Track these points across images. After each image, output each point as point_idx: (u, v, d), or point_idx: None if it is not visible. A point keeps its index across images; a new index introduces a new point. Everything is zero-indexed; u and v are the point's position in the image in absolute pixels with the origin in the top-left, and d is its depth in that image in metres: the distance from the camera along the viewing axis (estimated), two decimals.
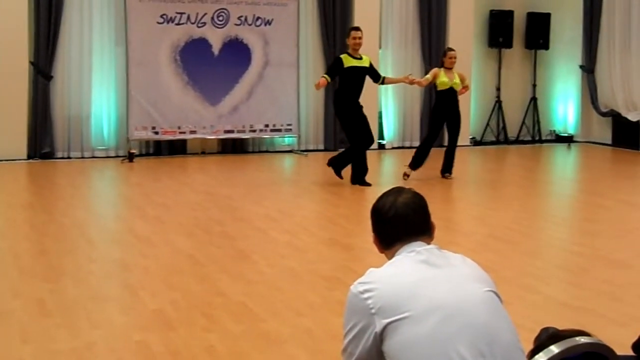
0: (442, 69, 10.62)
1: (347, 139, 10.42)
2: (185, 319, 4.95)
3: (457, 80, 10.59)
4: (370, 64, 10.38)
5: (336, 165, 10.35)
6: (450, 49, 10.91)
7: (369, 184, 10.07)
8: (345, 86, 10.16)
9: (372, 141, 10.36)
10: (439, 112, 10.70)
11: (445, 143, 11.41)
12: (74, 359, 4.28)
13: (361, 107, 10.21)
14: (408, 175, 10.41)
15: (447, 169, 10.77)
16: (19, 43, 12.12)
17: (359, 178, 10.19)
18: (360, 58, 10.21)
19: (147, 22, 12.67)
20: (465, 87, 10.82)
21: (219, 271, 6.09)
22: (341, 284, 5.67)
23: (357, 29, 10.37)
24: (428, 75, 10.71)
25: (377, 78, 10.50)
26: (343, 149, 10.81)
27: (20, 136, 12.22)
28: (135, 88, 12.64)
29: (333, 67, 10.28)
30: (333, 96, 10.56)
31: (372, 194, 9.40)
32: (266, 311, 5.12)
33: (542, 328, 3.00)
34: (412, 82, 10.78)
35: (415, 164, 10.56)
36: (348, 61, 10.11)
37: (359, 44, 10.20)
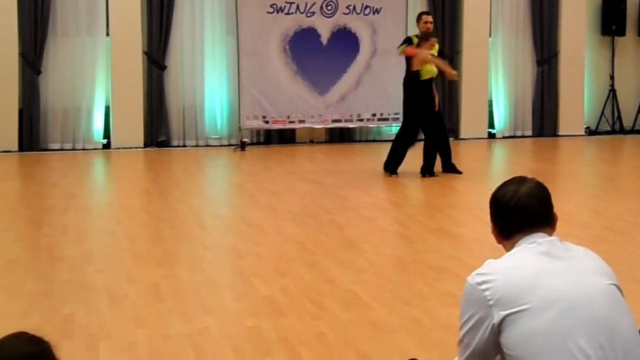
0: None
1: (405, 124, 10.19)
2: (295, 306, 5.00)
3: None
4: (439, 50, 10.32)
5: (392, 164, 10.08)
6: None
7: (394, 174, 9.91)
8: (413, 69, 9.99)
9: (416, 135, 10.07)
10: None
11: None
12: (187, 343, 4.37)
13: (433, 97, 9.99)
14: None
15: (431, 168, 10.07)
16: (133, 34, 12.45)
17: (391, 166, 9.98)
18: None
19: (257, 11, 12.82)
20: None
21: (328, 259, 6.12)
22: (451, 274, 5.62)
23: (428, 13, 10.38)
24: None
25: None
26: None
27: (136, 125, 12.56)
28: (246, 77, 12.82)
29: (403, 44, 10.15)
30: (403, 79, 10.26)
31: (482, 184, 9.28)
32: (375, 300, 5.12)
33: None
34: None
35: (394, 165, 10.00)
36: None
37: (430, 29, 10.08)
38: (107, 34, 12.51)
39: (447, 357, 2.84)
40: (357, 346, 4.31)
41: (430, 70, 9.89)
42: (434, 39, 10.03)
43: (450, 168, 10.10)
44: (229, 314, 4.89)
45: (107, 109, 12.58)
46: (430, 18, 10.16)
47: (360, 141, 13.74)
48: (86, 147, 12.46)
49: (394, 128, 13.75)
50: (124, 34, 12.41)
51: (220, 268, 6.08)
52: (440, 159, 10.08)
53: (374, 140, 13.74)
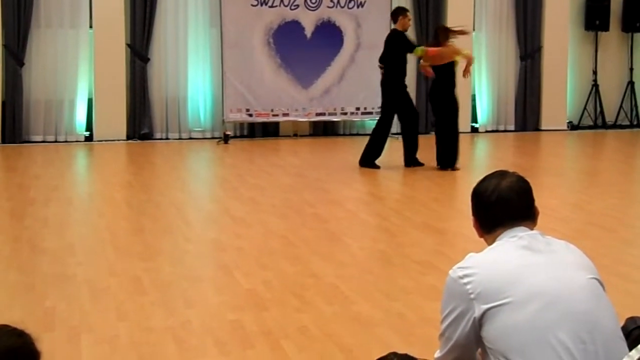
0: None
1: (405, 119, 10.26)
2: (278, 299, 4.99)
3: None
4: None
5: (410, 158, 10.19)
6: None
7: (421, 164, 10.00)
8: (401, 65, 10.12)
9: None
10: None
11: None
12: (169, 336, 4.36)
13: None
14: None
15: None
16: (116, 26, 12.39)
17: (411, 159, 10.14)
18: None
19: (241, 4, 12.78)
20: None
21: (311, 253, 6.12)
22: (434, 268, 5.63)
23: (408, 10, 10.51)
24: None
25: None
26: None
27: (119, 117, 12.51)
28: (229, 70, 12.78)
29: (409, 41, 10.25)
30: (388, 79, 10.24)
31: (465, 178, 9.31)
32: (358, 294, 5.12)
33: (628, 318, 2.92)
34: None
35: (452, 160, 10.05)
36: None
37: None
38: (91, 26, 12.44)
39: (429, 351, 2.84)
40: (340, 340, 4.32)
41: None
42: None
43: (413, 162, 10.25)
44: (211, 307, 4.89)
45: (90, 101, 12.51)
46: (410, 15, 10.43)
47: (344, 135, 13.73)
48: (69, 140, 12.39)
49: None
50: (107, 26, 12.35)
51: (203, 261, 6.07)
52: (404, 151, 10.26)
53: (357, 134, 13.73)
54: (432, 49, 9.98)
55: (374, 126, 10.68)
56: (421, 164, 10.09)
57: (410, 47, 10.11)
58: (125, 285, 5.29)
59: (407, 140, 10.21)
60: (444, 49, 9.90)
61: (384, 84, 10.23)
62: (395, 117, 10.39)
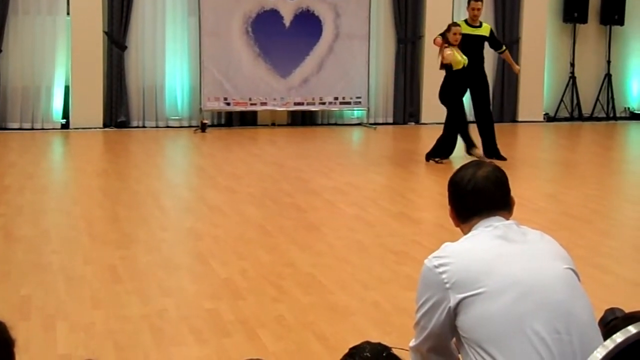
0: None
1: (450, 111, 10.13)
2: (254, 289, 4.99)
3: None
4: (491, 32, 10.39)
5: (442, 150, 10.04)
6: (455, 24, 10.15)
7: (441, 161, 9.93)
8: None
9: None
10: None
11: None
12: (145, 325, 4.35)
13: (483, 76, 10.15)
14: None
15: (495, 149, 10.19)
16: (94, 13, 12.29)
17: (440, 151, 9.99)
18: (480, 26, 10.11)
19: None
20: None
21: (288, 242, 6.12)
22: (410, 258, 5.65)
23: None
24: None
25: (498, 47, 10.51)
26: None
27: (96, 105, 12.42)
28: (207, 59, 12.72)
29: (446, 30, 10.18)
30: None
31: (442, 169, 9.33)
32: (334, 283, 5.13)
33: (607, 309, 2.94)
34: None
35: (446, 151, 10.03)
36: (464, 28, 10.02)
37: (477, 15, 10.17)
38: (68, 13, 12.33)
39: (405, 340, 2.85)
40: (316, 329, 4.33)
41: (458, 62, 9.77)
42: (458, 28, 9.87)
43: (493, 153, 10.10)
44: (187, 296, 4.88)
45: (67, 88, 12.42)
46: (479, 5, 10.18)
47: (322, 124, 13.71)
48: (45, 127, 12.29)
49: (356, 112, 13.78)
50: (85, 14, 12.25)
51: (179, 250, 6.06)
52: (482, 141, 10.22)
53: (335, 124, 13.73)
54: (438, 41, 10.00)
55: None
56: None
57: None
58: (101, 273, 5.27)
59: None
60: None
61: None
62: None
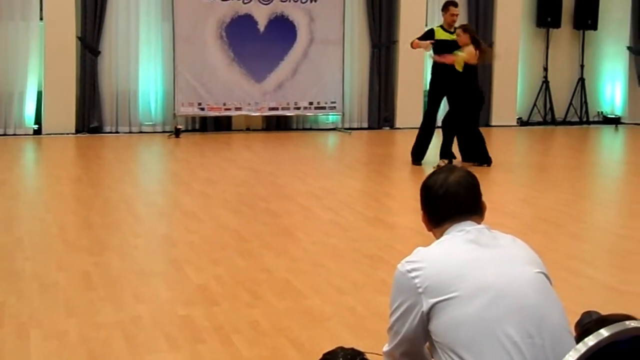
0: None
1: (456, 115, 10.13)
2: (229, 295, 4.97)
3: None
4: None
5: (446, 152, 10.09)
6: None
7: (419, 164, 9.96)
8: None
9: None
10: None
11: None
12: (119, 332, 4.32)
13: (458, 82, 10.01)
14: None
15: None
16: (67, 19, 12.23)
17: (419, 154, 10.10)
18: (453, 32, 10.14)
19: None
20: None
21: (263, 247, 6.11)
22: (385, 263, 5.66)
23: (456, 4, 10.23)
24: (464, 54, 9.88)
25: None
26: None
27: (69, 111, 12.36)
28: (181, 64, 12.70)
29: (424, 37, 10.22)
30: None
31: (417, 173, 9.37)
32: (309, 288, 5.12)
33: (584, 312, 2.96)
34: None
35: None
36: (440, 34, 10.07)
37: (455, 21, 10.18)
38: (41, 18, 12.26)
39: (379, 344, 2.85)
40: (291, 334, 4.31)
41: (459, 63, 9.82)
42: (459, 30, 9.92)
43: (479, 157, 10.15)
44: (161, 303, 4.85)
45: (40, 94, 12.35)
46: (457, 10, 10.22)
47: (297, 129, 13.73)
48: (17, 133, 12.22)
49: (331, 117, 13.80)
50: (58, 19, 12.19)
51: (153, 256, 6.02)
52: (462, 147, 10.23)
53: (310, 129, 13.75)
54: (414, 42, 10.17)
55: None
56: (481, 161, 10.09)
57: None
58: (74, 280, 5.22)
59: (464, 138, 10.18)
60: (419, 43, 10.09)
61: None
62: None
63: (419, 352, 2.63)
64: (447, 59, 9.79)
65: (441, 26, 10.29)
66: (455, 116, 9.99)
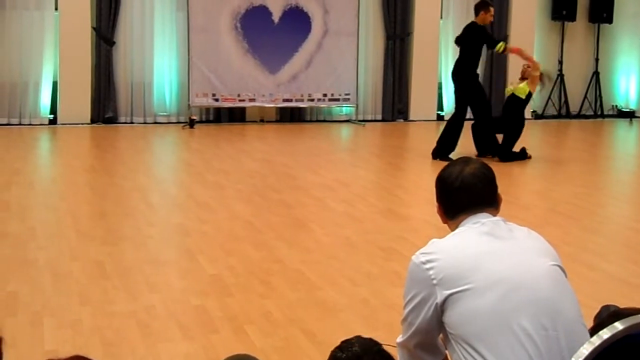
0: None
1: (478, 111, 10.14)
2: (242, 285, 4.98)
3: None
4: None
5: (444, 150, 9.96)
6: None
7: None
8: (475, 57, 10.07)
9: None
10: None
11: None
12: (133, 321, 4.33)
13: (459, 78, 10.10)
14: None
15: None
16: (82, 9, 12.25)
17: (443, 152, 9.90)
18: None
19: None
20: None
21: (276, 238, 6.12)
22: (398, 254, 5.66)
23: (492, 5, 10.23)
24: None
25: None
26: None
27: (84, 101, 12.38)
28: (196, 55, 12.70)
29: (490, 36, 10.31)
30: (458, 67, 10.14)
31: (430, 166, 9.35)
32: (322, 279, 5.13)
33: (603, 305, 2.95)
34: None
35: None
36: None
37: (492, 21, 10.37)
38: (56, 9, 12.28)
39: (392, 336, 2.85)
40: (304, 325, 4.32)
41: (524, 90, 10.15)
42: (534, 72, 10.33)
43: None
44: (175, 293, 4.86)
45: (55, 84, 12.38)
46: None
47: (310, 121, 13.72)
48: (33, 123, 12.25)
49: (345, 109, 13.78)
50: (73, 9, 12.20)
51: (166, 246, 6.04)
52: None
53: (324, 121, 13.74)
54: (514, 47, 10.42)
55: (449, 118, 10.45)
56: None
57: (493, 43, 10.09)
58: (88, 269, 5.25)
59: (478, 132, 10.13)
60: (523, 51, 10.32)
61: (457, 75, 10.06)
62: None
63: (432, 343, 2.62)
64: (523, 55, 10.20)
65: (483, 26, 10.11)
66: (483, 117, 10.00)
